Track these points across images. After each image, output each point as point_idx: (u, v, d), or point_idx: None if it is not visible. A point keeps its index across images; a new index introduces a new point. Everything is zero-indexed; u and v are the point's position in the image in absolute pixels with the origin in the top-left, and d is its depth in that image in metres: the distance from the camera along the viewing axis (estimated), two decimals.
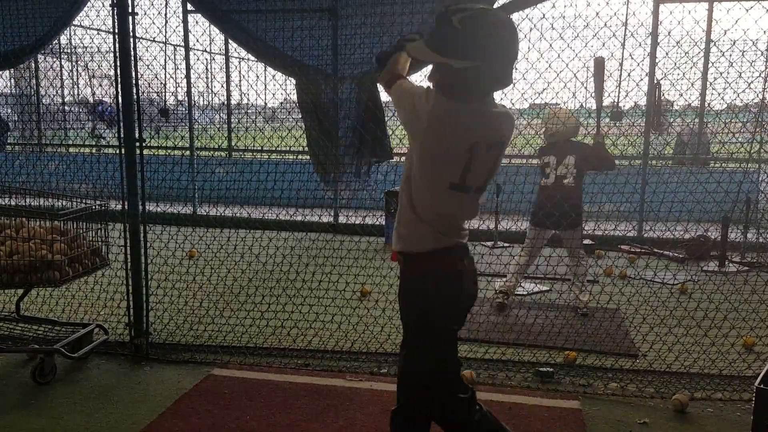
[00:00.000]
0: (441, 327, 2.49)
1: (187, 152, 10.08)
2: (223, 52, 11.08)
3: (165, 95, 10.51)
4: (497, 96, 2.50)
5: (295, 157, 9.59)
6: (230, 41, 10.13)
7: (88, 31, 10.42)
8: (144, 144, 4.37)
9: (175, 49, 11.66)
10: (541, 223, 5.47)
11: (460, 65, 2.27)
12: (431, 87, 2.39)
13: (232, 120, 11.24)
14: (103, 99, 11.64)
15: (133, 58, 4.31)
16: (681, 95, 11.09)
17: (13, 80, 11.13)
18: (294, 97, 8.27)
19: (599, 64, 5.22)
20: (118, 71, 4.31)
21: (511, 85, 2.45)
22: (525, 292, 6.17)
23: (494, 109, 2.41)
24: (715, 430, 3.59)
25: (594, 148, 5.41)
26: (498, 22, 2.30)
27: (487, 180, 2.48)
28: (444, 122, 2.30)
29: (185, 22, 9.60)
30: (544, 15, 5.06)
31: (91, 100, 11.95)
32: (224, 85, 10.75)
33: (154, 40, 10.29)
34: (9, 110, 11.92)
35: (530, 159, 7.77)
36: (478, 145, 2.33)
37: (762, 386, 2.79)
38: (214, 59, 12.94)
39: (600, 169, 5.55)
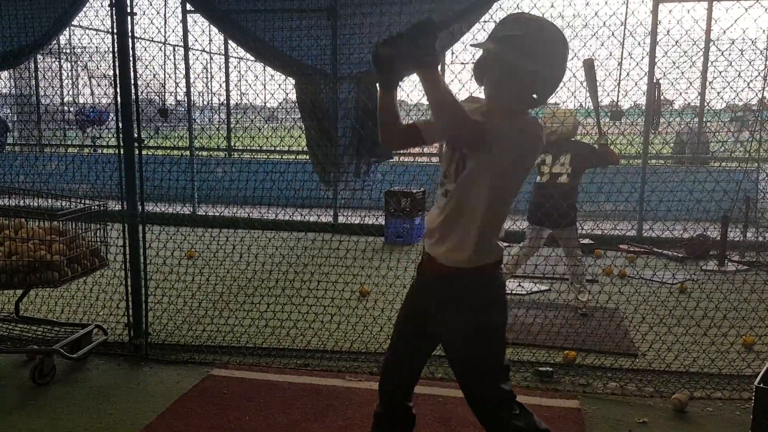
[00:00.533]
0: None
1: (186, 152, 10.08)
2: (222, 51, 11.08)
3: (164, 95, 10.51)
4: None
5: (294, 157, 9.60)
6: (229, 41, 10.13)
7: (87, 31, 10.43)
8: (143, 144, 4.36)
9: (174, 49, 11.67)
10: (538, 221, 5.48)
11: (548, 74, 2.31)
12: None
13: (231, 120, 11.24)
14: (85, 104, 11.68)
15: (131, 58, 4.31)
16: (680, 94, 11.10)
17: (12, 80, 11.12)
18: (293, 96, 8.27)
19: (589, 65, 5.22)
20: (117, 71, 4.31)
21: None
22: (524, 292, 6.17)
23: None
24: (715, 429, 3.58)
25: (593, 148, 5.41)
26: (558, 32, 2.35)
27: None
28: (540, 137, 2.33)
29: (184, 21, 9.61)
30: (542, 15, 5.06)
31: (90, 100, 11.95)
32: (223, 85, 10.75)
33: (152, 40, 10.30)
34: (8, 111, 11.92)
35: None
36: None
37: (761, 385, 2.79)
38: (212, 59, 12.94)
39: (604, 165, 5.56)
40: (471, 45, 2.39)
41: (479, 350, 2.37)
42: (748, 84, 5.92)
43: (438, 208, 2.39)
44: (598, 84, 5.33)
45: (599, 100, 5.46)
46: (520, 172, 2.34)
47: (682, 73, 7.08)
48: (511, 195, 2.40)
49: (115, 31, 4.26)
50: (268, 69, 9.19)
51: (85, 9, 7.92)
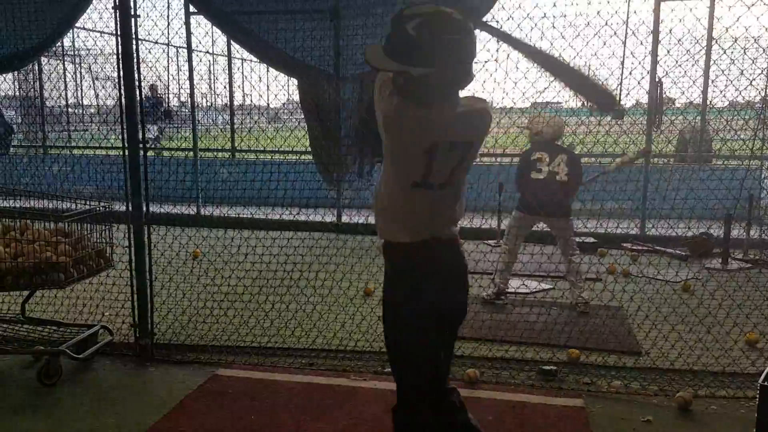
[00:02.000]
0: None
1: (191, 153, 10.11)
2: (225, 53, 11.10)
3: (168, 97, 10.54)
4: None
5: (297, 157, 9.61)
6: (232, 42, 10.15)
7: (91, 33, 10.46)
8: (147, 146, 4.38)
9: (177, 51, 11.70)
10: (529, 207, 5.53)
11: (418, 72, 2.26)
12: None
13: (235, 121, 11.26)
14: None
15: (135, 60, 4.33)
16: (683, 93, 11.09)
17: (17, 83, 11.16)
18: (296, 97, 8.29)
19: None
20: (121, 73, 4.33)
21: (474, 81, 2.44)
22: (528, 291, 6.18)
23: (460, 110, 2.39)
24: (719, 427, 3.59)
25: (580, 177, 5.57)
26: (451, 24, 2.27)
27: (452, 176, 2.44)
28: (401, 125, 2.32)
29: (187, 23, 9.63)
30: (545, 14, 5.08)
31: (95, 102, 11.99)
32: (227, 86, 10.77)
33: (156, 42, 10.32)
34: (13, 113, 11.96)
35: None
36: (437, 147, 2.33)
37: (766, 383, 2.79)
38: (216, 60, 12.97)
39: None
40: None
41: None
42: (751, 82, 5.91)
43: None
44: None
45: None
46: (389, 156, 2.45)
47: (685, 71, 7.08)
48: None
49: (119, 33, 4.29)
50: (272, 70, 9.22)
51: (88, 11, 7.95)
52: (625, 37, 7.00)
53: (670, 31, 6.76)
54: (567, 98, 5.78)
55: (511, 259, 5.74)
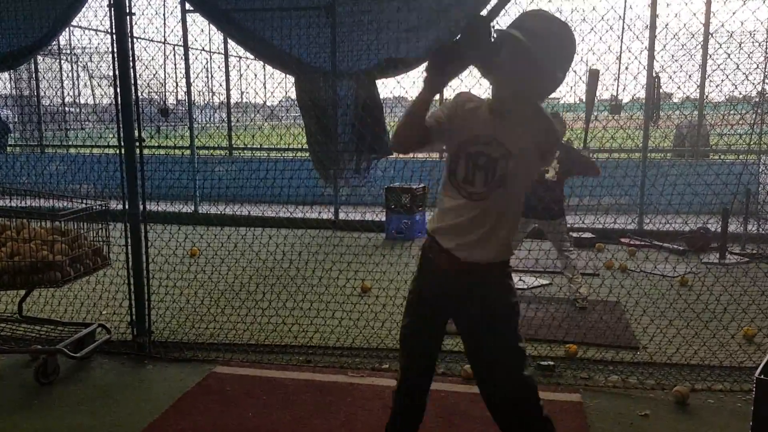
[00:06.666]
0: None
1: (187, 151, 10.11)
2: (222, 50, 11.10)
3: (164, 95, 10.52)
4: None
5: (294, 154, 9.62)
6: (229, 40, 10.14)
7: (86, 31, 10.44)
8: (143, 144, 4.38)
9: (174, 49, 11.68)
10: (524, 213, 5.51)
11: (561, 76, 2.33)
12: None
13: (232, 118, 11.25)
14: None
15: (131, 58, 4.32)
16: (679, 88, 11.10)
17: (12, 82, 11.14)
18: (292, 94, 8.29)
19: (594, 75, 5.21)
20: (117, 71, 4.32)
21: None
22: (525, 286, 6.19)
23: None
24: (716, 420, 3.60)
25: (581, 156, 5.47)
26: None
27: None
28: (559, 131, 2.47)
29: (183, 21, 9.61)
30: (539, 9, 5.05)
31: (91, 101, 11.97)
32: (223, 84, 10.76)
33: (152, 40, 10.31)
34: (9, 112, 11.94)
35: None
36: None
37: (762, 377, 2.79)
38: (212, 58, 12.96)
39: (585, 174, 5.61)
40: (497, 30, 2.34)
41: (513, 327, 2.49)
42: (746, 77, 5.92)
43: (460, 210, 2.37)
44: (597, 96, 5.35)
45: (592, 111, 5.50)
46: (539, 169, 2.41)
47: (681, 66, 7.08)
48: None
49: (114, 31, 4.28)
50: (268, 67, 9.22)
51: (84, 9, 7.93)
52: (622, 33, 7.01)
53: (666, 25, 6.76)
54: (563, 94, 5.77)
55: None
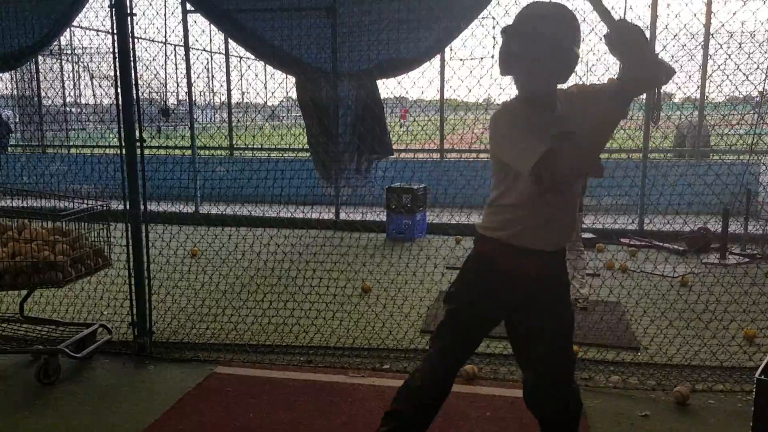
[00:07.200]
0: None
1: (188, 151, 10.11)
2: (223, 51, 11.09)
3: (165, 95, 10.53)
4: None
5: (295, 155, 9.62)
6: (230, 40, 10.15)
7: (87, 32, 10.45)
8: (144, 144, 4.38)
9: (174, 49, 11.68)
10: None
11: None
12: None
13: (232, 118, 11.25)
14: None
15: (132, 59, 4.32)
16: (679, 88, 11.10)
17: (14, 82, 11.15)
18: (293, 95, 8.30)
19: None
20: (118, 72, 4.32)
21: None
22: None
23: None
24: (717, 421, 3.60)
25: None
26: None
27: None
28: None
29: (184, 21, 9.62)
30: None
31: (92, 101, 11.97)
32: (224, 84, 10.76)
33: (153, 41, 10.32)
34: (10, 112, 11.95)
35: None
36: None
37: (763, 377, 2.79)
38: (213, 58, 12.95)
39: (590, 173, 5.58)
40: (504, 29, 2.40)
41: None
42: (747, 77, 5.92)
43: (539, 204, 2.44)
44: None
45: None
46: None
47: (681, 66, 7.08)
48: None
49: (115, 31, 4.28)
50: (269, 68, 9.23)
51: (85, 10, 7.94)
52: None
53: (666, 26, 6.76)
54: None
55: None
